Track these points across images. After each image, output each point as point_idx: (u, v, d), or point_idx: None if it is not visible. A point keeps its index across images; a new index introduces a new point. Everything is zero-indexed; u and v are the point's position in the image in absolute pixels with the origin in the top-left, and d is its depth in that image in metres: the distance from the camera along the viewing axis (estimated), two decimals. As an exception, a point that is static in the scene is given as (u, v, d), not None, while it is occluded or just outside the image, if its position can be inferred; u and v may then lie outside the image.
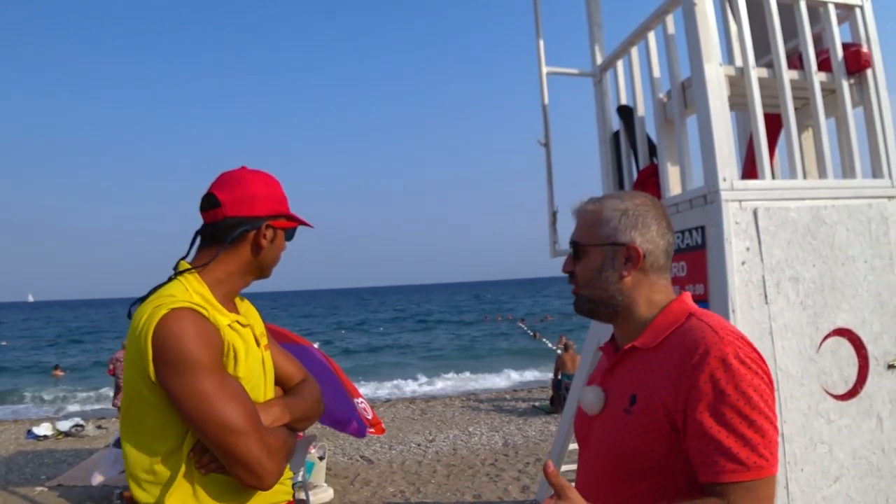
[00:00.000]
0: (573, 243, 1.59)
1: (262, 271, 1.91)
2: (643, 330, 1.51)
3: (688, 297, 1.56)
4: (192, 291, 1.72)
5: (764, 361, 1.39)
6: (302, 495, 6.61)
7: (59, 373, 26.31)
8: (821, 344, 3.21)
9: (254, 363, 1.80)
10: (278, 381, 1.99)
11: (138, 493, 1.67)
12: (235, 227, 1.80)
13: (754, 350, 1.39)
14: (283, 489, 1.83)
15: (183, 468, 1.63)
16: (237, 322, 1.80)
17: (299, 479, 6.50)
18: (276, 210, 1.86)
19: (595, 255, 1.55)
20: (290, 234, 1.94)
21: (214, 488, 1.66)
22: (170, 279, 1.78)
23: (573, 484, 1.51)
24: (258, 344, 1.88)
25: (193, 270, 1.79)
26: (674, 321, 1.48)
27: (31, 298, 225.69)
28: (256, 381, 1.80)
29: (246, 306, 1.99)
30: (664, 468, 1.38)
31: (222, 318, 1.74)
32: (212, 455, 1.64)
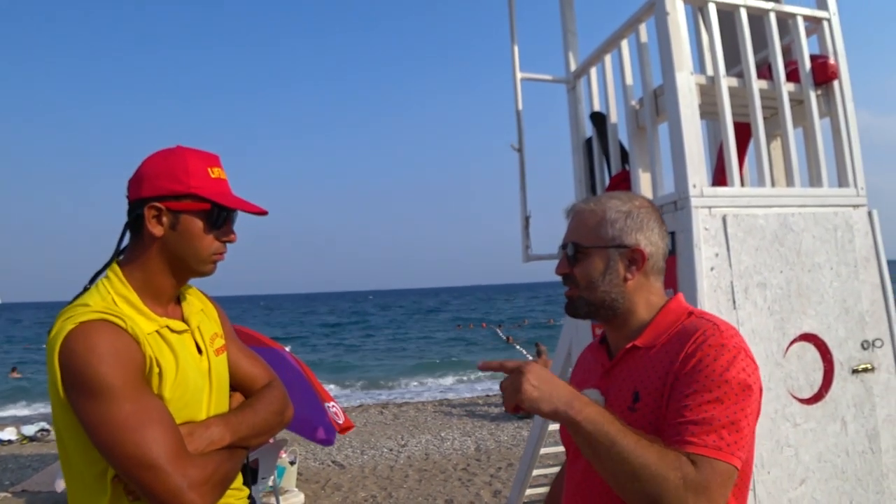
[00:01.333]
0: (573, 244, 1.55)
1: (185, 265, 1.63)
2: (643, 330, 1.51)
3: (682, 297, 1.58)
4: (113, 295, 1.54)
5: (756, 368, 1.39)
6: (272, 500, 6.56)
7: (16, 374, 25.79)
8: (787, 349, 3.26)
9: (191, 374, 1.59)
10: (241, 385, 1.81)
11: None
12: (129, 214, 1.61)
13: (750, 355, 1.41)
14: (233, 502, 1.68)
15: (109, 494, 1.47)
16: (167, 328, 1.59)
17: (269, 484, 6.45)
18: (167, 189, 1.57)
19: (597, 257, 1.52)
20: (214, 220, 1.63)
21: None
22: (86, 286, 1.60)
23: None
24: (201, 350, 1.68)
25: (117, 268, 1.60)
26: (674, 320, 1.49)
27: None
28: (194, 394, 1.59)
29: (198, 305, 1.79)
30: None
31: (147, 324, 1.54)
32: None
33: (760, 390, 1.40)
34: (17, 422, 14.12)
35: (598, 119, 4.55)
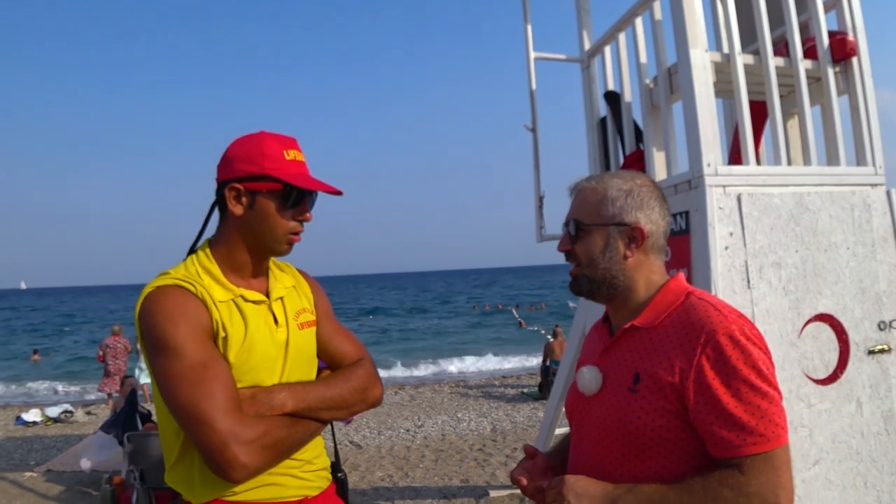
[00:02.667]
0: (574, 221, 1.57)
1: (261, 244, 1.71)
2: (642, 309, 1.52)
3: (682, 276, 1.58)
4: (197, 267, 1.66)
5: (763, 337, 1.41)
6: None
7: (37, 357, 26.23)
8: (802, 329, 3.23)
9: (260, 343, 1.66)
10: (331, 361, 1.89)
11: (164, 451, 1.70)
12: (216, 195, 1.73)
13: (755, 327, 1.42)
14: (308, 482, 1.75)
15: (181, 445, 1.62)
16: (242, 297, 1.68)
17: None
18: (245, 171, 1.66)
19: (598, 235, 1.53)
20: (288, 200, 1.68)
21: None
22: (189, 253, 1.76)
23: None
24: (278, 322, 1.73)
25: (206, 246, 1.74)
26: (673, 300, 1.49)
27: (23, 286, 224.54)
28: (261, 362, 1.65)
29: (289, 281, 1.87)
30: (672, 444, 1.40)
31: (221, 293, 1.64)
32: None
33: (768, 350, 1.42)
34: (42, 403, 14.36)
35: (613, 98, 4.51)
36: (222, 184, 1.69)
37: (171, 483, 1.68)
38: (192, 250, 1.77)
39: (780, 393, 1.37)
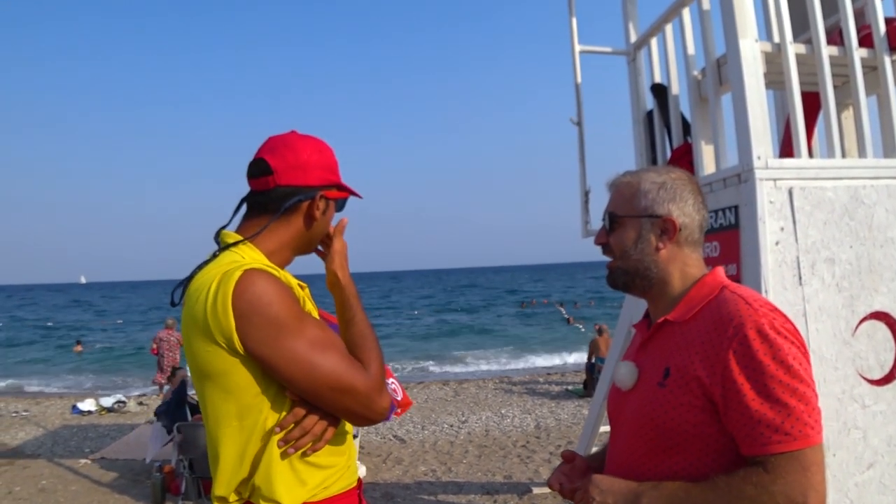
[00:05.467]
0: (609, 214, 1.59)
1: (310, 245, 1.80)
2: (677, 303, 1.51)
3: (720, 271, 1.56)
4: (249, 259, 1.61)
5: (798, 332, 1.38)
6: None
7: (80, 348, 27.13)
8: (857, 327, 3.13)
9: None
10: None
11: (223, 473, 1.57)
12: (288, 197, 1.68)
13: (788, 321, 1.38)
14: (352, 475, 1.74)
15: (267, 445, 1.54)
16: (298, 286, 1.73)
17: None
18: (328, 179, 1.74)
19: (631, 227, 1.55)
20: (340, 206, 1.82)
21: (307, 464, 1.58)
22: (215, 253, 1.66)
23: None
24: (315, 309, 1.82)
25: (246, 241, 1.67)
26: (707, 294, 1.47)
27: (83, 280, 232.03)
28: None
29: (295, 282, 1.86)
30: (699, 441, 1.38)
31: (291, 278, 1.70)
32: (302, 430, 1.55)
33: (803, 344, 1.37)
34: (96, 394, 14.79)
35: (660, 91, 4.43)
36: (309, 189, 1.70)
37: (268, 491, 1.55)
38: (224, 246, 1.70)
39: (814, 391, 1.32)
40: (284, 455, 1.55)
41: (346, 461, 1.70)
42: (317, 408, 1.57)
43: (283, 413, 1.56)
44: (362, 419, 1.60)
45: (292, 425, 1.55)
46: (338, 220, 1.82)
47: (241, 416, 1.54)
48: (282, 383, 1.53)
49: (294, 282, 1.70)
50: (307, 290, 1.80)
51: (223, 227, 1.75)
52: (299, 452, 1.56)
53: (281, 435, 1.54)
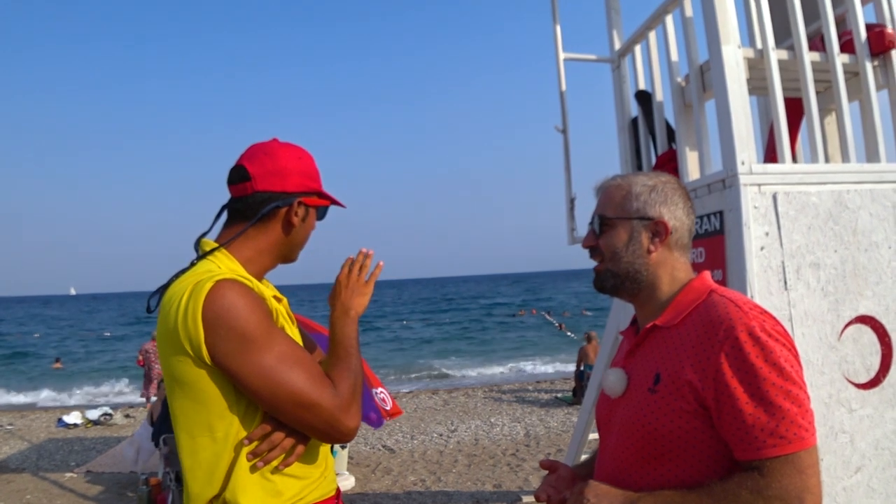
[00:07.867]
0: (599, 216, 1.58)
1: (291, 252, 1.78)
2: (665, 308, 1.50)
3: (708, 275, 1.56)
4: (231, 266, 1.63)
5: (788, 334, 1.37)
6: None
7: (59, 365, 26.57)
8: (842, 331, 3.14)
9: (295, 339, 1.68)
10: None
11: (193, 485, 1.55)
12: (266, 203, 1.68)
13: (778, 323, 1.38)
14: (329, 484, 1.73)
15: (238, 458, 1.52)
16: (274, 297, 1.71)
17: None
18: (308, 186, 1.73)
19: (622, 228, 1.54)
20: (321, 214, 1.81)
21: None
22: (193, 261, 1.65)
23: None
24: (292, 320, 1.79)
25: (222, 248, 1.67)
26: (695, 298, 1.47)
27: (73, 291, 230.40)
28: None
29: (273, 291, 1.84)
30: (691, 446, 1.37)
31: (265, 289, 1.66)
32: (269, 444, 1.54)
33: (794, 346, 1.37)
34: (82, 407, 14.64)
35: (644, 98, 4.45)
36: (285, 195, 1.70)
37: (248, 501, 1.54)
38: (202, 254, 1.70)
39: (806, 393, 1.32)
40: (254, 468, 1.53)
41: (321, 472, 1.68)
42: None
43: (255, 426, 1.54)
44: (325, 437, 1.59)
45: (260, 439, 1.54)
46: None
47: (212, 427, 1.53)
48: (248, 396, 1.52)
49: (269, 293, 1.68)
50: (285, 303, 1.79)
51: (203, 235, 1.74)
52: (272, 465, 1.54)
53: (251, 447, 1.53)
